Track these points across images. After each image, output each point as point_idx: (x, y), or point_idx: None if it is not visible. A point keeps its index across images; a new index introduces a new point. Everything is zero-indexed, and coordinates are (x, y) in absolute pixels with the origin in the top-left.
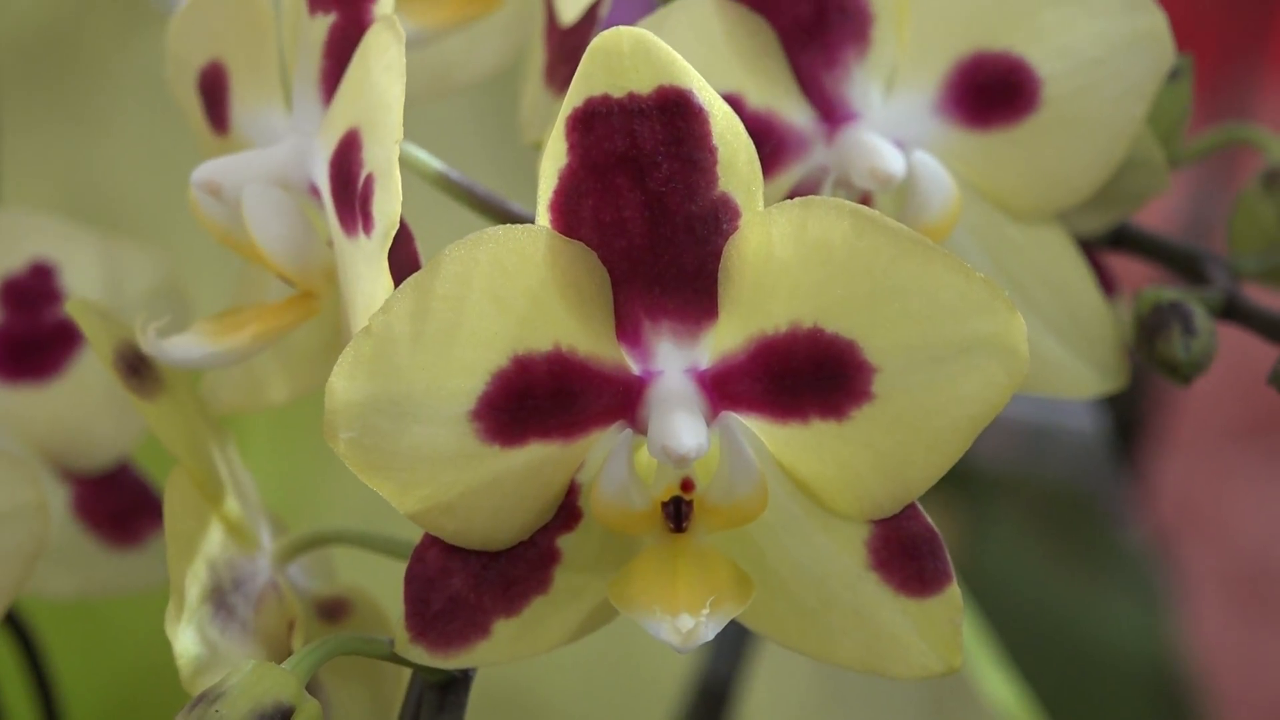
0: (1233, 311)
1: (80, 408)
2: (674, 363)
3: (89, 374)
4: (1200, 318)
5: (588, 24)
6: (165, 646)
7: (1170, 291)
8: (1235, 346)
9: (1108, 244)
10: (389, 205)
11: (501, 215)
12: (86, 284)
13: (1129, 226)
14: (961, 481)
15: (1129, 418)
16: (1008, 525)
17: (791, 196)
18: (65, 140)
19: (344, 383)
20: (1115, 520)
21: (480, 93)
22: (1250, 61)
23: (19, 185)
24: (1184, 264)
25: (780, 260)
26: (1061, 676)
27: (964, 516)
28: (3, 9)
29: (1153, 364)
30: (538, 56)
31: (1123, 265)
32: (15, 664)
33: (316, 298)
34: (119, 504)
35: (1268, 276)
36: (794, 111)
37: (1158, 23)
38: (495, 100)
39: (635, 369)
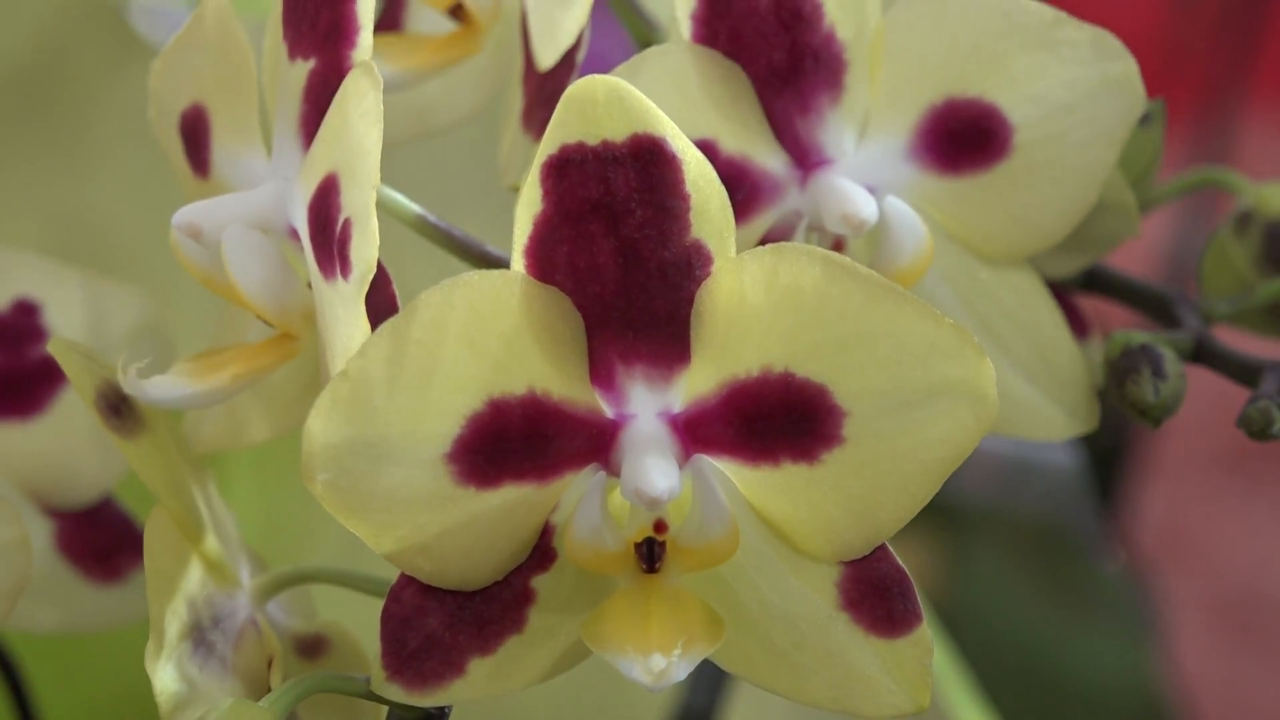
0: (1202, 354)
1: (64, 444)
2: (647, 406)
3: (72, 411)
4: (1170, 361)
5: (565, 69)
6: (146, 674)
7: (1140, 335)
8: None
9: (1079, 286)
10: (366, 250)
11: (480, 259)
12: (70, 322)
13: (1100, 269)
14: (942, 515)
15: (1113, 447)
16: (988, 559)
17: (765, 242)
18: (51, 176)
19: (321, 425)
20: (1095, 553)
21: (470, 133)
22: (1232, 103)
23: (3, 221)
24: (1155, 306)
25: (752, 306)
26: (1043, 709)
27: (944, 550)
28: None
29: (1123, 406)
30: (516, 100)
31: (1097, 307)
32: None
33: (296, 339)
34: (102, 540)
35: (1238, 319)
36: (768, 157)
37: (1129, 69)
38: (485, 140)
39: (609, 412)
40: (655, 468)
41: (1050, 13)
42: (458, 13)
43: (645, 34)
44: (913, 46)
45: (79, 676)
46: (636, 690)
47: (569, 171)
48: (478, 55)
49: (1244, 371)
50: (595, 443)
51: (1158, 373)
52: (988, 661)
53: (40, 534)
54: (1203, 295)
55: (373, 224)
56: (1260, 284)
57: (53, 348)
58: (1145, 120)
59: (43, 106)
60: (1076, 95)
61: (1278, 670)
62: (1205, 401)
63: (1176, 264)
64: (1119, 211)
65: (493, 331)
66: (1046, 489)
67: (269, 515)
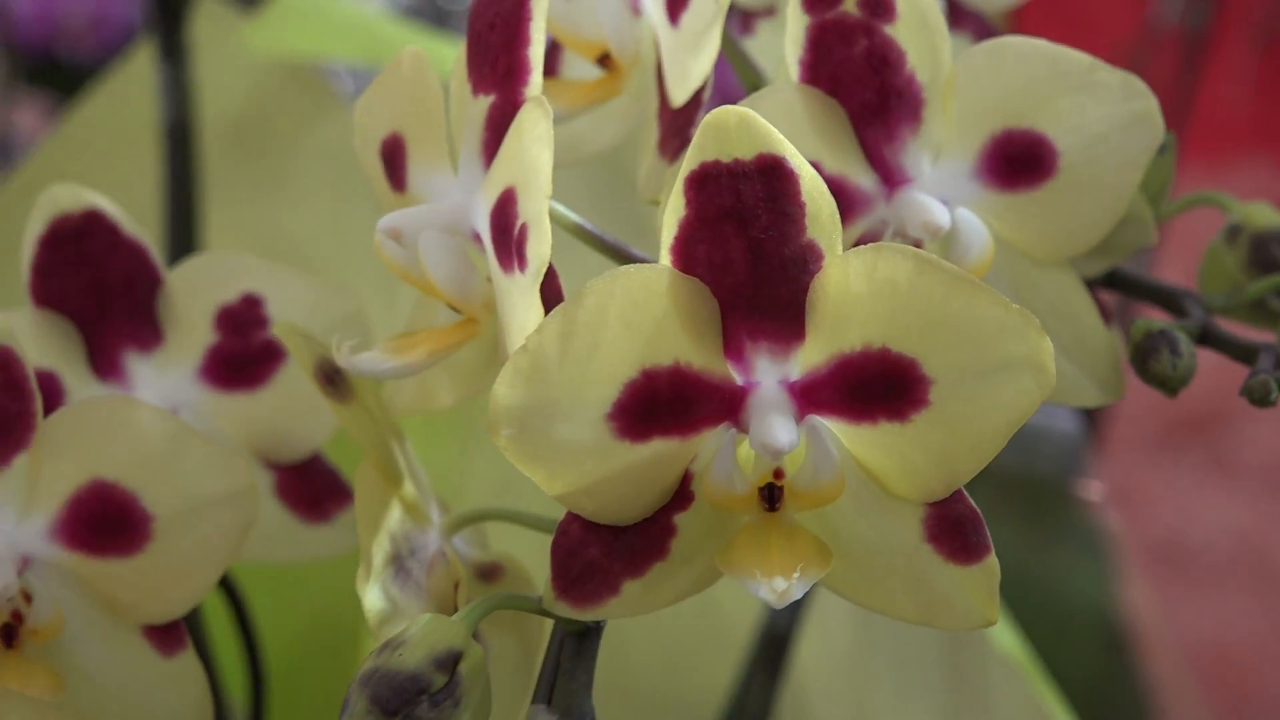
0: (1207, 338)
1: (281, 411)
2: (770, 375)
3: (289, 384)
4: (1184, 343)
5: (694, 105)
6: (341, 594)
7: (1159, 322)
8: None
9: (1103, 283)
10: (541, 248)
11: (624, 257)
12: (286, 312)
13: (1120, 269)
14: None
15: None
16: (986, 504)
17: (859, 244)
18: (260, 203)
19: (505, 391)
20: (1074, 501)
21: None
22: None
23: (223, 239)
24: (1166, 300)
25: (856, 294)
26: (1029, 626)
27: None
28: (212, 100)
29: (1146, 379)
30: (652, 131)
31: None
32: (220, 605)
33: (477, 323)
34: (312, 488)
35: (1230, 311)
36: (860, 176)
37: (1151, 107)
38: (605, 167)
39: (739, 380)
40: (778, 425)
41: (1088, 60)
42: (605, 61)
43: (754, 79)
44: (977, 87)
45: (287, 596)
46: (729, 610)
47: (707, 184)
48: (619, 97)
49: (1243, 352)
50: (728, 405)
51: (1175, 352)
52: None
53: (262, 483)
54: (1201, 292)
55: (546, 227)
56: (1247, 284)
57: (278, 331)
58: (1162, 149)
59: (254, 150)
60: (1109, 127)
61: (1197, 598)
62: (1144, 393)
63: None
64: (1138, 223)
65: (645, 314)
66: (1039, 449)
67: (433, 466)
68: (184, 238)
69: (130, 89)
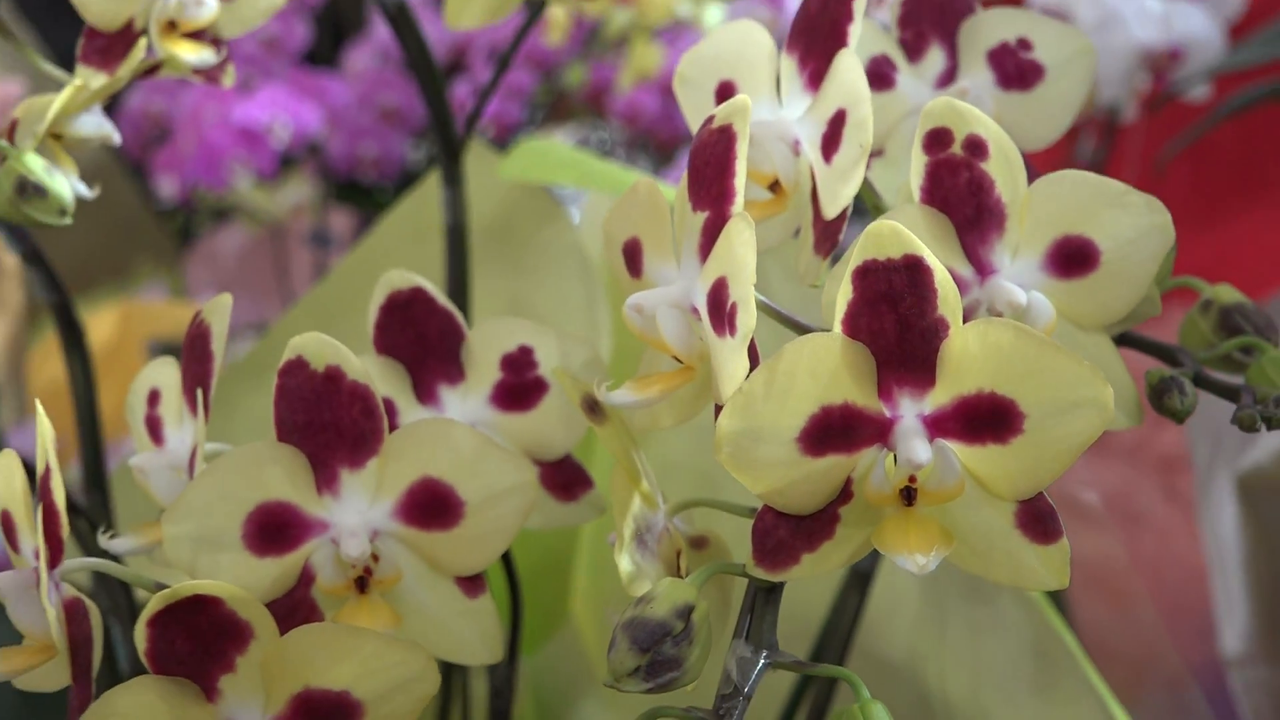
0: (1200, 382)
1: (545, 426)
2: (910, 411)
3: (550, 407)
4: (1188, 385)
5: (841, 218)
6: (563, 547)
7: (1168, 371)
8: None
9: (1119, 342)
10: (748, 320)
11: (799, 328)
12: (548, 358)
13: (1130, 332)
14: None
15: None
16: None
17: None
18: (505, 285)
19: (725, 421)
20: None
21: None
22: None
23: (483, 307)
24: (1165, 354)
25: (972, 353)
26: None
27: None
28: (477, 211)
29: (1160, 411)
30: (809, 236)
31: None
32: None
33: (693, 370)
34: (564, 478)
35: (1207, 363)
36: (962, 268)
37: (1166, 220)
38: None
39: (888, 414)
40: (918, 447)
41: (1122, 186)
42: (774, 188)
43: (874, 201)
44: (1043, 205)
45: (526, 538)
46: None
47: (868, 275)
48: (781, 213)
49: (1229, 392)
50: (880, 432)
51: (1182, 392)
52: None
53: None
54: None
55: (753, 305)
56: (1219, 343)
57: (554, 373)
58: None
59: (500, 245)
60: (1137, 233)
61: (1088, 535)
62: None
63: None
64: (1149, 300)
65: (824, 366)
66: None
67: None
68: (460, 306)
69: (423, 203)
